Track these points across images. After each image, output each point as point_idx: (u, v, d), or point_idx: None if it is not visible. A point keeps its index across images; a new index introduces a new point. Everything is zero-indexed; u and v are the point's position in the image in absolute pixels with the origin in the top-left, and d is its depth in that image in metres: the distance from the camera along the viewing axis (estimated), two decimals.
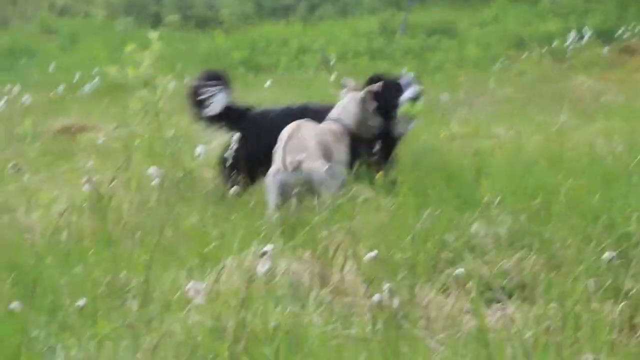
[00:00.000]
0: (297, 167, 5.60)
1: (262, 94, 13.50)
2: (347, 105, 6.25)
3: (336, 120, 6.22)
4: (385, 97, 6.32)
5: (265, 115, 6.62)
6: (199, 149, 7.56)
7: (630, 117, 8.99)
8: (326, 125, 6.13)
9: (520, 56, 16.94)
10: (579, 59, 16.14)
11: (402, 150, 7.24)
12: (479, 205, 5.47)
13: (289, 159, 5.59)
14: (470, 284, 4.27)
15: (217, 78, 6.59)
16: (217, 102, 6.53)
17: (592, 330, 3.57)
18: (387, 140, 6.51)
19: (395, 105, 6.42)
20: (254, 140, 6.41)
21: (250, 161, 6.27)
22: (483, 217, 5.25)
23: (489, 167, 6.29)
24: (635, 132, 7.92)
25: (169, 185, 6.28)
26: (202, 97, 6.51)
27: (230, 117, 6.56)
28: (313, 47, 18.98)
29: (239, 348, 3.44)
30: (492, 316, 4.02)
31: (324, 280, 4.41)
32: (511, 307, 4.11)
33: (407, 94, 6.39)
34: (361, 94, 6.25)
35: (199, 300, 3.48)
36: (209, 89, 6.53)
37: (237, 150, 6.32)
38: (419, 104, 6.39)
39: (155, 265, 4.40)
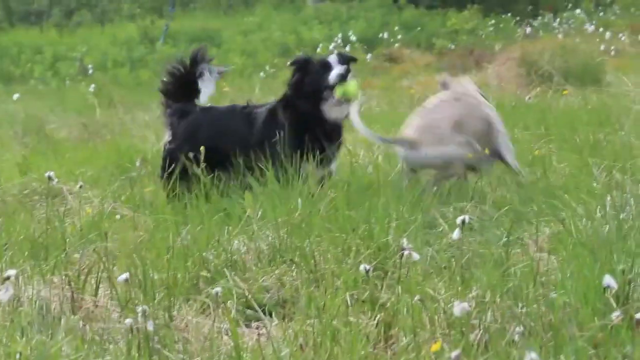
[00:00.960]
0: None
1: (12, 106, 13.07)
2: None
3: None
4: (313, 77, 5.94)
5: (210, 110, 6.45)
6: None
7: (392, 125, 9.32)
8: None
9: (286, 64, 17.20)
10: None
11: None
12: (240, 220, 5.54)
13: None
14: (229, 303, 4.30)
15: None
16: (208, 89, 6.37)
17: (349, 344, 3.68)
18: (319, 124, 6.05)
19: (325, 86, 5.91)
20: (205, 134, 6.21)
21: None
22: (244, 232, 5.31)
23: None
24: None
25: None
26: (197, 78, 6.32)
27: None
28: (70, 56, 18.56)
29: None
30: (251, 335, 4.07)
31: (75, 306, 4.31)
32: (271, 325, 4.17)
33: (334, 71, 5.86)
34: None
35: None
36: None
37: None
38: (353, 85, 5.90)
39: None
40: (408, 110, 11.31)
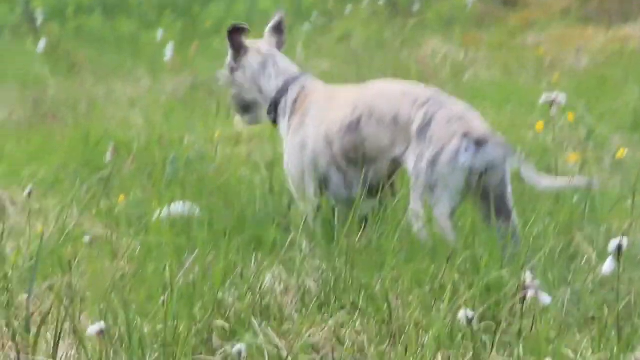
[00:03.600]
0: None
1: None
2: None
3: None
4: None
5: None
6: None
7: (502, 104, 9.37)
8: None
9: (344, 10, 17.25)
10: (433, 12, 16.61)
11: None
12: (275, 246, 5.64)
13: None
14: None
15: None
16: None
17: None
18: None
19: None
20: None
21: None
22: (282, 263, 5.40)
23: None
24: (514, 128, 8.30)
25: None
26: None
27: None
28: None
29: None
30: None
31: None
32: None
33: None
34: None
35: None
36: None
37: None
38: None
39: None
40: (533, 81, 11.39)
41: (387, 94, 5.87)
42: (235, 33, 6.39)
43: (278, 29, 6.50)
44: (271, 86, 6.34)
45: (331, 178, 5.95)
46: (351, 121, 5.87)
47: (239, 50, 6.39)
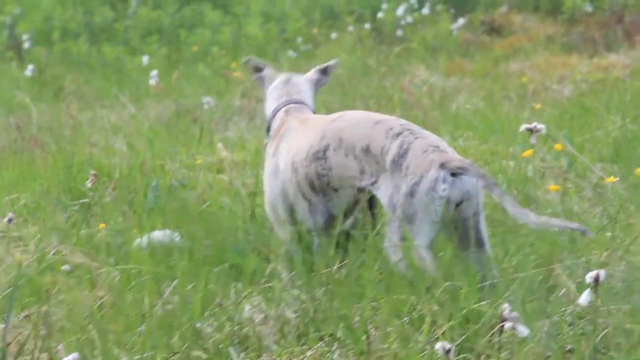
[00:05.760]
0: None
1: None
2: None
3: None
4: None
5: None
6: None
7: (486, 134, 9.37)
8: None
9: (329, 37, 17.27)
10: (418, 39, 16.61)
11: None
12: (254, 275, 5.66)
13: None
14: None
15: None
16: None
17: None
18: None
19: None
20: None
21: None
22: (261, 293, 5.43)
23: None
24: (497, 157, 8.32)
25: None
26: None
27: None
28: None
29: None
30: None
31: None
32: None
33: None
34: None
35: None
36: None
37: None
38: None
39: None
40: (516, 110, 11.40)
41: (359, 123, 5.88)
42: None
43: (324, 71, 6.62)
44: (269, 108, 6.45)
45: (297, 206, 6.00)
46: (317, 150, 5.90)
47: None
